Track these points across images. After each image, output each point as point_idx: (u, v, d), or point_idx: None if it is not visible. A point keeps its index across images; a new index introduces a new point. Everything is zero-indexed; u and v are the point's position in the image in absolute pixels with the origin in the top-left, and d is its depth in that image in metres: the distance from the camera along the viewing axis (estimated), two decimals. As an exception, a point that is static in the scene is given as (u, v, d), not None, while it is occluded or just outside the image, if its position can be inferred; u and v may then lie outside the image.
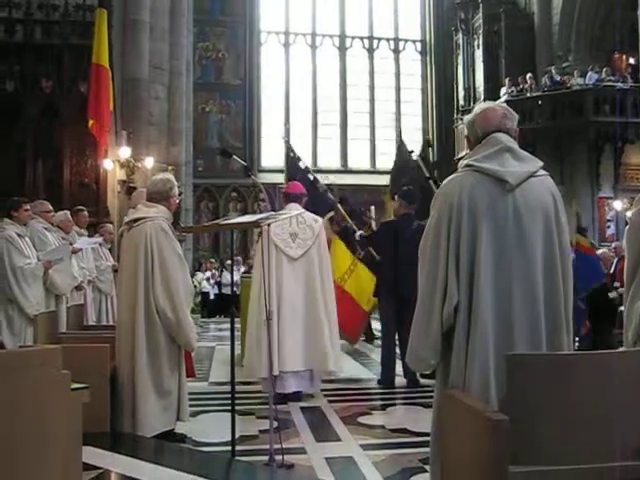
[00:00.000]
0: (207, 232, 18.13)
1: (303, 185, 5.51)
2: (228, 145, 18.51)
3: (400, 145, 9.60)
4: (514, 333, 2.23)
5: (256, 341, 4.84)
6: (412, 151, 9.52)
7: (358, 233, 6.72)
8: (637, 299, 2.44)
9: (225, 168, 18.41)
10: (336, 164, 20.88)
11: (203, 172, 18.59)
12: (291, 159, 7.57)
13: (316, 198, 6.46)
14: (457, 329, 2.30)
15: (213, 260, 17.65)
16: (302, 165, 7.45)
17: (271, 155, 19.26)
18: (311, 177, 7.33)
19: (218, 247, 19.02)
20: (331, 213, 7.53)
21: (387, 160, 20.74)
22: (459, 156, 17.22)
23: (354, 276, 7.01)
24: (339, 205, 7.47)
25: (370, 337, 8.92)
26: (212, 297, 16.36)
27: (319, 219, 5.21)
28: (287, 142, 7.98)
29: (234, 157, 4.11)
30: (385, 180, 12.25)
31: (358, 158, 21.15)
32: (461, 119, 17.73)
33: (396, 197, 6.21)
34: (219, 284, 16.58)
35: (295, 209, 4.96)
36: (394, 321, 5.86)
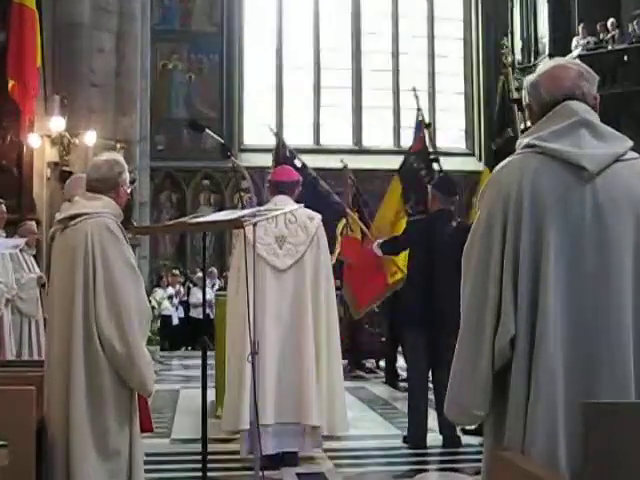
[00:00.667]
0: (170, 234, 17.97)
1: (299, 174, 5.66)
2: (199, 116, 17.94)
3: (418, 113, 9.81)
4: (592, 373, 2.20)
5: (238, 382, 4.73)
6: (429, 124, 9.68)
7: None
8: None
9: (195, 147, 18.20)
10: (347, 142, 20.43)
11: (165, 152, 18.26)
12: (282, 152, 7.88)
13: (319, 202, 6.56)
14: (514, 368, 2.28)
15: (177, 272, 17.43)
16: (298, 163, 7.63)
17: (257, 130, 18.66)
18: (311, 174, 7.50)
19: (184, 255, 18.92)
20: (342, 223, 7.84)
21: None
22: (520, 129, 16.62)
23: (394, 230, 7.54)
24: (350, 212, 7.72)
25: (393, 377, 8.98)
26: (176, 322, 16.30)
27: (316, 216, 5.13)
28: (277, 135, 8.26)
29: (207, 131, 4.06)
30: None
31: (377, 134, 20.61)
32: (518, 80, 17.66)
33: (429, 187, 6.18)
34: (186, 305, 16.51)
35: (285, 203, 4.89)
36: (426, 357, 5.73)
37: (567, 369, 2.22)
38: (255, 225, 3.82)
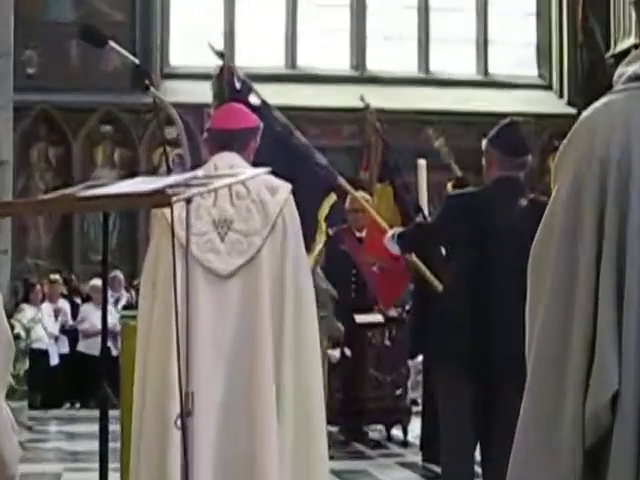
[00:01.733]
0: (46, 215, 14.19)
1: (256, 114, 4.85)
2: (97, 19, 14.01)
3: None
4: None
5: (157, 460, 4.19)
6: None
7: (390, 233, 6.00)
8: None
9: (89, 70, 14.65)
10: (341, 65, 16.22)
11: (39, 78, 14.71)
12: (228, 79, 7.09)
13: (290, 166, 5.98)
14: (617, 441, 2.08)
15: (58, 279, 13.47)
16: (254, 100, 6.91)
17: (191, 44, 15.19)
18: (278, 118, 6.73)
19: (69, 251, 15.23)
20: (329, 200, 7.05)
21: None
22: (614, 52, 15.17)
23: None
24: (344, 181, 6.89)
25: (431, 447, 7.79)
26: (55, 362, 12.77)
27: (281, 186, 4.51)
28: (221, 54, 7.40)
29: (111, 45, 3.99)
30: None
31: (391, 53, 16.42)
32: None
33: (484, 142, 5.24)
34: (73, 333, 12.97)
35: (232, 165, 4.45)
36: (471, 423, 4.93)
37: None
38: (189, 202, 3.46)
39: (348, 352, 9.28)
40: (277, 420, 4.39)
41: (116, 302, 12.69)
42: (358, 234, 8.79)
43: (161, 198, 3.43)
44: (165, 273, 4.22)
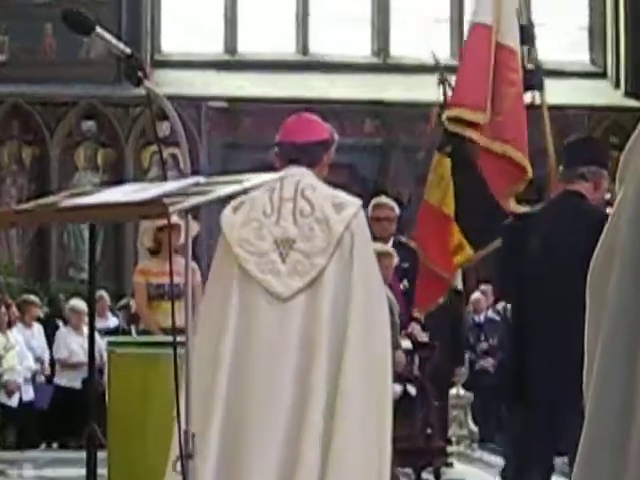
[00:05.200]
0: (20, 227, 12.61)
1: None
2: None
3: None
4: None
5: None
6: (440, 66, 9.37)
7: None
8: None
9: (69, 58, 14.23)
10: (361, 50, 15.84)
11: (10, 66, 14.24)
12: None
13: None
14: None
15: (34, 299, 12.78)
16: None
17: (185, 27, 15.28)
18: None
19: (46, 267, 14.73)
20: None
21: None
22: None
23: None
24: None
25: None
26: (30, 397, 12.18)
27: (349, 203, 4.61)
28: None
29: (98, 31, 3.91)
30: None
31: (413, 38, 15.60)
32: None
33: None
34: (49, 367, 12.36)
35: (295, 181, 4.54)
36: (540, 459, 5.47)
37: None
38: (189, 213, 3.62)
39: (413, 390, 9.21)
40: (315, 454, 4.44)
41: (101, 331, 11.55)
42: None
43: (157, 208, 3.39)
44: (221, 293, 4.45)
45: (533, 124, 8.66)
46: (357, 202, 4.73)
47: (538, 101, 8.87)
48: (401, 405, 8.78)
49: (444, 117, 8.84)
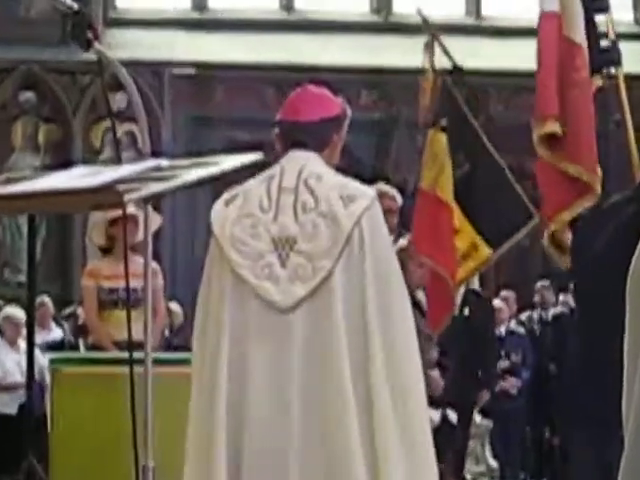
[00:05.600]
0: None
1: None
2: None
3: None
4: None
5: None
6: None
7: None
8: None
9: (5, 16, 14.11)
10: (358, 5, 15.86)
11: None
12: None
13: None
14: None
15: None
16: None
17: None
18: None
19: None
20: None
21: None
22: None
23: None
24: None
25: None
26: None
27: (362, 194, 4.69)
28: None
29: None
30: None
31: None
32: None
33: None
34: None
35: (299, 168, 4.63)
36: None
37: None
38: (148, 203, 3.94)
39: (454, 417, 9.25)
40: None
41: (42, 346, 11.66)
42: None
43: (110, 197, 3.43)
44: (214, 305, 4.64)
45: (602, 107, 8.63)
46: (370, 193, 4.78)
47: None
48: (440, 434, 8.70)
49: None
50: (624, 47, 16.11)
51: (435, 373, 8.55)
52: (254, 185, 4.49)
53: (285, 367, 4.76)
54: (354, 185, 4.79)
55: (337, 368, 4.66)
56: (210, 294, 4.68)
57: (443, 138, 8.96)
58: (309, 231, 4.77)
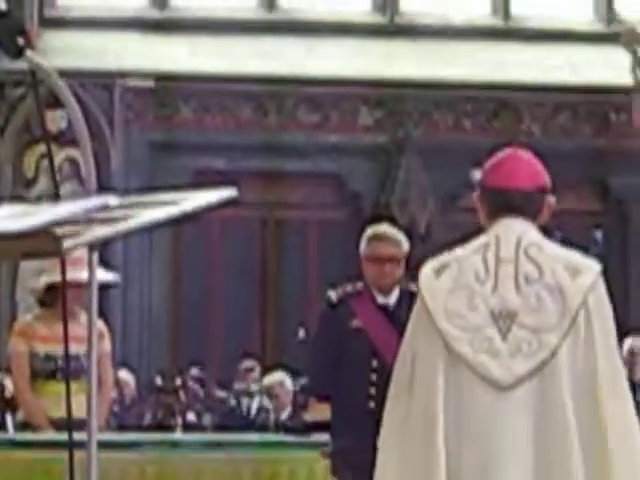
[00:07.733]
0: None
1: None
2: None
3: None
4: None
5: None
6: None
7: None
8: None
9: None
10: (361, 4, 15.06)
11: None
12: None
13: None
14: None
15: None
16: None
17: None
18: None
19: None
20: None
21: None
22: None
23: None
24: None
25: None
26: None
27: (587, 267, 5.10)
28: None
29: None
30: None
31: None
32: None
33: None
34: None
35: (517, 237, 5.09)
36: None
37: None
38: (94, 249, 3.93)
39: None
40: None
41: None
42: (382, 299, 8.42)
43: (45, 243, 3.36)
44: (423, 383, 5.04)
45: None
46: (596, 267, 5.21)
47: None
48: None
49: None
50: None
51: None
52: (466, 254, 4.92)
53: (505, 449, 5.32)
54: (578, 257, 5.28)
55: (565, 452, 5.15)
56: (423, 366, 5.17)
57: None
58: (533, 304, 5.25)
